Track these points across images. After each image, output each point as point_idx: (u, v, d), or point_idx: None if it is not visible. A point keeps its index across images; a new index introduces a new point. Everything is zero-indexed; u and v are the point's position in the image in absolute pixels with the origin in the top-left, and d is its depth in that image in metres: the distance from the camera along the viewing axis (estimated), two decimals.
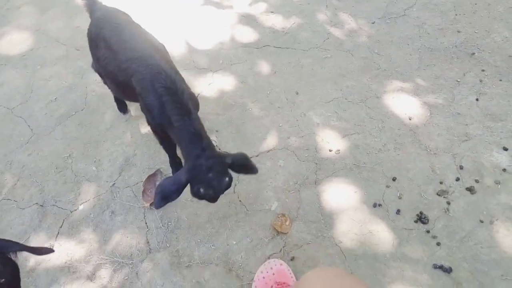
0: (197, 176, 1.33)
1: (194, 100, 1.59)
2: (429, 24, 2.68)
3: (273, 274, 1.51)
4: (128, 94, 1.66)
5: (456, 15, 2.73)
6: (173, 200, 1.33)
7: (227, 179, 1.35)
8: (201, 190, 1.32)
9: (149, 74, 1.45)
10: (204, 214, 1.79)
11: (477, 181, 1.81)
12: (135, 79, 1.49)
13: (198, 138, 1.39)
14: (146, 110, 1.51)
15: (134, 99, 1.66)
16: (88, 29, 1.77)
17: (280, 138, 2.06)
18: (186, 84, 1.58)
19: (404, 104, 2.18)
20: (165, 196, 1.32)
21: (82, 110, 2.25)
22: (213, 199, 1.39)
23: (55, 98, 2.33)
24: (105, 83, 2.02)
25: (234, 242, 1.70)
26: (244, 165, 1.43)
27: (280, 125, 2.13)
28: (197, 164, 1.34)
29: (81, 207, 1.84)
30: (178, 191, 1.33)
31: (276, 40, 2.63)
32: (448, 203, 1.74)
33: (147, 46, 1.55)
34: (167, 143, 1.72)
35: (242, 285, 1.57)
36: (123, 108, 2.19)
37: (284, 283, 1.46)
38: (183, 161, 1.84)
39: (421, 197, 1.78)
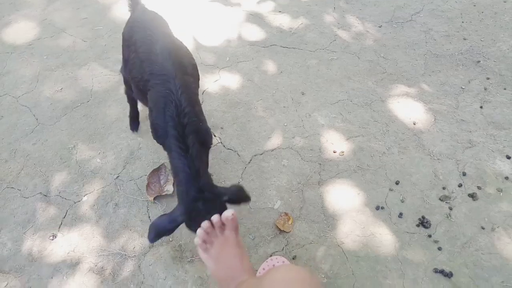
0: (195, 219, 1.30)
1: (202, 135, 1.49)
2: (436, 30, 2.70)
3: None
4: (145, 101, 1.61)
5: (462, 22, 2.75)
6: (165, 236, 1.38)
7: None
8: (193, 228, 1.30)
9: (163, 98, 1.41)
10: None
11: (479, 188, 1.83)
12: (151, 94, 1.46)
13: (194, 178, 1.36)
14: (152, 127, 1.50)
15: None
16: (124, 28, 1.74)
17: (284, 138, 2.07)
18: (200, 116, 1.52)
19: (408, 109, 2.19)
20: (159, 233, 1.32)
21: (87, 101, 2.26)
22: None
23: (61, 89, 2.33)
24: (126, 93, 2.01)
25: None
26: (239, 198, 1.41)
27: (285, 124, 2.14)
28: (195, 207, 1.32)
29: (84, 198, 1.84)
30: (172, 230, 1.33)
31: (283, 39, 2.64)
32: (450, 208, 1.76)
33: (174, 66, 1.47)
34: None
35: None
36: (135, 126, 2.12)
37: None
38: None
39: (424, 201, 1.79)
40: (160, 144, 1.52)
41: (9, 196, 1.86)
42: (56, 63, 2.49)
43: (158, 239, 1.33)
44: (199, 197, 1.33)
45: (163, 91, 1.42)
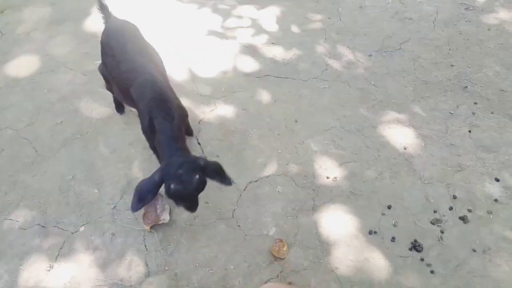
0: (168, 173, 1.40)
1: (181, 110, 1.75)
2: (424, 58, 2.79)
3: None
4: (128, 100, 1.81)
5: (449, 49, 2.84)
6: (148, 201, 1.40)
7: (197, 176, 1.40)
8: (172, 186, 1.38)
9: (143, 84, 1.60)
10: (203, 239, 1.82)
11: (470, 210, 1.86)
12: (133, 89, 1.64)
13: (174, 141, 1.52)
14: (140, 116, 1.66)
15: (133, 106, 1.80)
16: (101, 36, 1.95)
17: (279, 165, 2.12)
18: (175, 94, 1.75)
19: (399, 134, 2.25)
20: (141, 197, 1.39)
21: (87, 133, 2.32)
22: (186, 198, 1.44)
23: (61, 121, 2.39)
24: (107, 88, 2.21)
25: (232, 267, 1.72)
26: (217, 173, 1.49)
27: (279, 151, 2.19)
28: (169, 162, 1.44)
29: (82, 229, 1.87)
30: (152, 191, 1.41)
31: (276, 70, 2.73)
32: (442, 231, 1.78)
33: (144, 58, 1.72)
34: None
35: None
36: (120, 109, 2.38)
37: None
38: None
39: (416, 225, 1.82)
40: (147, 130, 1.63)
41: (7, 228, 1.89)
42: (56, 97, 2.56)
43: (141, 206, 1.39)
44: (174, 154, 1.46)
45: (141, 80, 1.62)
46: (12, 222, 1.91)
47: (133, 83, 1.63)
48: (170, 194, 1.40)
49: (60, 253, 1.79)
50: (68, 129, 2.35)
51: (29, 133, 2.34)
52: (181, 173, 1.39)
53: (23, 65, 2.84)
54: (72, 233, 1.86)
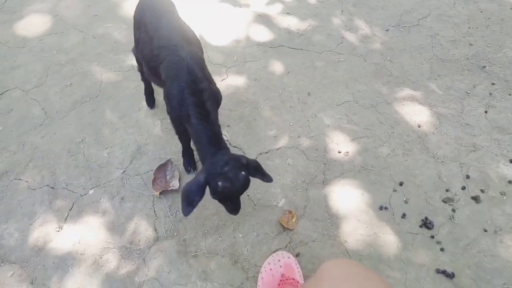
0: (214, 171, 1.37)
1: (215, 98, 1.63)
2: (442, 35, 2.71)
3: (280, 266, 1.53)
4: (157, 79, 1.70)
5: (469, 28, 2.76)
6: (197, 203, 1.37)
7: (243, 173, 1.38)
8: (219, 183, 1.35)
9: (175, 65, 1.49)
10: (212, 206, 1.81)
11: (482, 191, 1.84)
12: (163, 66, 1.54)
13: (215, 140, 1.48)
14: (167, 99, 1.56)
15: (162, 85, 1.70)
16: (135, 10, 1.84)
17: (290, 137, 2.09)
18: (211, 79, 1.62)
19: (414, 112, 2.21)
20: (189, 201, 1.36)
21: (96, 97, 2.28)
22: (233, 195, 1.44)
23: (70, 84, 2.36)
24: (139, 70, 2.08)
25: (241, 235, 1.72)
26: (258, 170, 1.47)
27: (291, 124, 2.15)
28: (214, 161, 1.40)
29: (91, 192, 1.86)
30: (200, 192, 1.38)
31: (290, 41, 2.67)
32: (454, 210, 1.77)
33: (180, 37, 1.59)
34: (183, 134, 1.75)
35: (247, 277, 1.59)
36: (151, 103, 2.22)
37: (290, 278, 1.48)
38: (195, 152, 1.89)
39: (427, 203, 1.80)
40: (175, 116, 1.58)
41: (17, 187, 1.89)
42: (66, 59, 2.52)
43: (192, 209, 1.36)
44: (218, 153, 1.43)
45: (174, 59, 1.51)
46: (21, 182, 1.90)
47: (164, 61, 1.54)
48: (217, 192, 1.39)
49: (69, 214, 1.79)
50: (77, 92, 2.31)
51: (38, 94, 2.30)
52: (227, 171, 1.36)
53: (32, 25, 2.78)
54: (81, 195, 1.85)
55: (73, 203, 1.83)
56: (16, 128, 2.13)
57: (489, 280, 1.55)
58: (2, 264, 1.63)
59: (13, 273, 1.61)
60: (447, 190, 1.85)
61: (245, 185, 1.41)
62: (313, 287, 0.80)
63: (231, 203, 1.50)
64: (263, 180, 1.49)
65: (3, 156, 2.00)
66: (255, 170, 1.46)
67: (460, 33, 2.73)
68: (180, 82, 1.48)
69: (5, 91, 2.32)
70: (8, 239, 1.71)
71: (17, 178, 1.92)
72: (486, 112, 2.20)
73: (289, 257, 1.58)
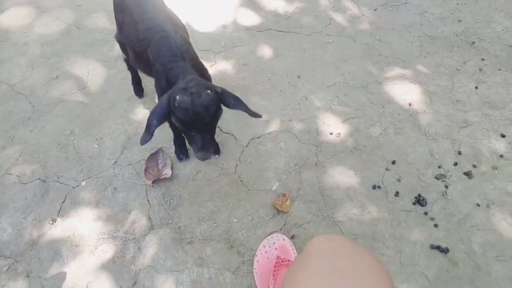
0: (177, 86, 1.29)
1: (200, 69, 1.57)
2: (431, 13, 2.70)
3: (276, 249, 1.54)
4: (144, 65, 1.67)
5: (457, 4, 2.75)
6: (155, 127, 1.26)
7: (209, 91, 1.25)
8: (177, 97, 1.22)
9: (159, 42, 1.46)
10: (206, 193, 1.81)
11: (474, 166, 1.85)
12: (150, 48, 1.50)
13: (189, 73, 1.40)
14: (156, 79, 1.54)
15: (150, 72, 1.67)
16: None
17: (281, 121, 2.08)
18: (196, 56, 1.59)
19: (404, 90, 2.20)
20: (148, 126, 1.26)
21: (84, 88, 2.25)
22: (195, 120, 1.25)
23: (56, 76, 2.32)
24: (125, 60, 2.06)
25: (235, 220, 1.72)
26: (239, 102, 1.35)
27: (282, 108, 2.14)
28: (179, 82, 1.33)
29: (83, 183, 1.85)
30: (159, 115, 1.26)
31: (278, 23, 2.64)
32: (446, 186, 1.78)
33: (166, 18, 1.56)
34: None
35: (243, 261, 1.59)
36: (139, 92, 2.18)
37: (286, 259, 1.49)
38: (186, 141, 1.87)
39: (420, 180, 1.81)
40: (161, 93, 1.50)
41: (8, 182, 1.87)
42: (51, 51, 2.47)
43: (150, 137, 1.26)
44: (191, 77, 1.34)
45: (161, 36, 1.47)
46: (12, 176, 1.88)
47: (150, 43, 1.50)
48: (176, 111, 1.23)
49: (62, 207, 1.77)
50: (64, 84, 2.28)
51: (24, 88, 2.27)
52: (191, 86, 1.24)
53: (14, 19, 2.72)
54: (73, 187, 1.83)
55: (66, 196, 1.81)
56: (4, 123, 2.10)
57: (482, 253, 1.57)
58: None
59: (8, 267, 1.60)
60: (439, 167, 1.85)
61: (209, 107, 1.24)
62: (301, 265, 0.79)
63: (196, 133, 1.31)
64: (249, 114, 1.36)
65: None
66: (236, 101, 1.33)
67: (449, 9, 2.72)
68: (164, 55, 1.44)
69: None
70: (2, 234, 1.70)
71: (7, 173, 1.90)
72: (476, 88, 2.20)
73: (284, 239, 1.58)
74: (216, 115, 1.31)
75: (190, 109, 1.23)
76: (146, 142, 1.26)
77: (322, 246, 0.80)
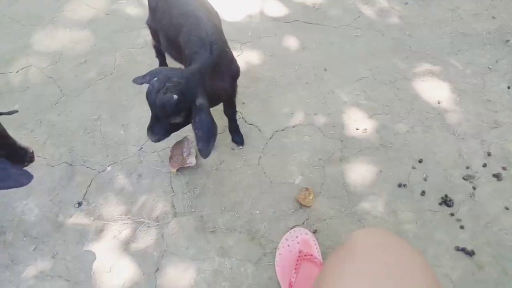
0: (152, 72, 1.32)
1: (228, 60, 1.56)
2: (463, 9, 2.62)
3: (298, 242, 1.53)
4: (176, 51, 1.65)
5: (492, 0, 2.66)
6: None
7: (175, 96, 1.23)
8: (153, 80, 1.28)
9: (191, 27, 1.45)
10: (229, 183, 1.81)
11: (504, 168, 1.80)
12: (183, 34, 1.49)
13: (204, 66, 1.38)
14: (185, 66, 1.51)
15: (180, 59, 1.66)
16: None
17: (306, 114, 2.06)
18: (225, 45, 1.56)
19: (433, 88, 2.15)
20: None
21: (111, 74, 2.27)
22: (150, 107, 1.30)
23: (85, 61, 2.35)
24: (154, 46, 2.06)
25: (258, 212, 1.72)
26: (200, 133, 1.30)
27: (307, 101, 2.12)
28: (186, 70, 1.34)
29: (108, 168, 1.87)
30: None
31: (306, 15, 2.60)
32: (474, 188, 1.74)
33: (198, 3, 1.56)
34: None
35: (265, 253, 1.60)
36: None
37: (309, 254, 1.49)
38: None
39: (447, 180, 1.77)
40: None
41: (36, 164, 1.88)
42: (79, 36, 2.50)
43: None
44: (178, 70, 1.32)
45: (193, 22, 1.45)
46: (40, 159, 1.91)
47: (183, 28, 1.48)
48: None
49: (88, 190, 1.80)
50: (92, 69, 2.30)
51: (53, 72, 2.30)
52: (171, 81, 1.25)
53: (44, 3, 2.75)
54: (99, 172, 1.86)
55: (91, 180, 1.84)
56: (33, 106, 2.13)
57: (510, 258, 1.54)
58: (24, 239, 1.67)
59: (35, 248, 1.64)
60: (467, 168, 1.81)
61: (163, 107, 1.25)
62: (344, 258, 0.76)
63: (152, 115, 1.35)
64: (197, 147, 1.33)
65: (21, 134, 2.01)
66: (200, 129, 1.29)
67: (482, 6, 2.63)
68: (192, 41, 1.42)
69: (21, 69, 2.32)
70: (29, 214, 1.74)
71: (35, 155, 1.93)
72: (509, 87, 2.13)
73: (306, 233, 1.57)
74: (168, 117, 1.31)
75: (147, 96, 1.29)
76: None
77: (367, 240, 0.77)
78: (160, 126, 1.37)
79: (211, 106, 1.68)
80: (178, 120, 1.33)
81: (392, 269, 0.68)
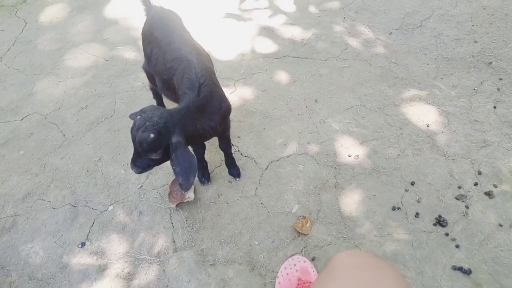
0: (146, 112, 1.40)
1: (217, 99, 1.62)
2: (446, 35, 2.74)
3: (297, 270, 1.56)
4: (171, 92, 1.75)
5: (472, 25, 2.78)
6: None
7: (152, 135, 1.33)
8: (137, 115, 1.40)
9: (183, 70, 1.55)
10: (227, 216, 1.86)
11: (495, 186, 1.84)
12: (176, 76, 1.59)
13: (189, 108, 1.47)
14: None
15: (175, 99, 1.75)
16: (143, 28, 1.91)
17: (300, 144, 2.13)
18: (218, 84, 1.65)
19: (421, 112, 2.23)
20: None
21: (111, 116, 2.37)
22: (133, 141, 1.41)
23: (86, 106, 2.45)
24: (151, 88, 2.19)
25: (256, 243, 1.76)
26: (177, 168, 1.37)
27: (300, 131, 2.20)
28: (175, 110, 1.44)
29: (110, 208, 1.93)
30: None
31: (295, 50, 2.72)
32: (467, 207, 1.77)
33: (191, 48, 1.66)
34: (197, 146, 1.82)
35: (265, 283, 1.62)
36: None
37: (308, 281, 1.51)
38: (209, 164, 1.95)
39: (440, 201, 1.81)
40: None
41: (40, 207, 1.97)
42: (80, 82, 2.62)
43: None
44: (164, 111, 1.41)
45: (185, 65, 1.56)
46: (44, 202, 1.98)
47: (176, 71, 1.60)
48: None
49: (91, 230, 1.85)
50: (92, 113, 2.40)
51: (56, 117, 2.41)
52: (152, 120, 1.34)
53: (47, 53, 2.90)
54: (101, 212, 1.92)
55: (94, 220, 1.89)
56: (37, 151, 2.22)
57: (507, 275, 1.55)
58: (30, 282, 1.70)
59: None
60: (459, 187, 1.85)
61: (141, 143, 1.34)
62: (326, 278, 0.82)
63: (133, 151, 1.45)
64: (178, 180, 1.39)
65: (26, 179, 2.09)
66: (177, 165, 1.36)
67: (464, 31, 2.75)
68: (184, 82, 1.52)
69: (25, 117, 2.43)
70: (34, 257, 1.78)
71: (40, 198, 2.00)
72: (495, 107, 2.20)
73: (304, 261, 1.60)
74: (146, 153, 1.39)
75: (130, 131, 1.41)
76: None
77: (345, 261, 0.83)
78: (141, 160, 1.46)
79: (200, 143, 1.78)
80: (155, 156, 1.41)
81: (370, 285, 0.73)
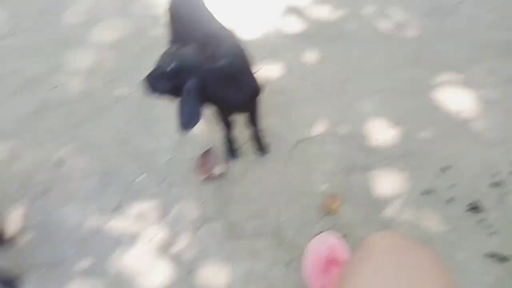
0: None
1: (250, 80, 1.63)
2: (482, 19, 2.65)
3: (326, 248, 1.56)
4: None
5: (509, 12, 2.68)
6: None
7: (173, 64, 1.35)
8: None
9: (215, 44, 1.52)
10: (255, 191, 1.86)
11: None
12: (206, 52, 1.56)
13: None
14: None
15: None
16: (170, 4, 1.88)
17: (328, 125, 2.10)
18: (250, 64, 1.63)
19: (455, 97, 2.18)
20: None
21: (138, 90, 2.37)
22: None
23: (113, 79, 2.46)
24: None
25: (284, 219, 1.76)
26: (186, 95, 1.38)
27: (328, 112, 2.16)
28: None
29: (141, 177, 1.95)
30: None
31: (323, 30, 2.67)
32: (503, 194, 1.74)
33: (219, 24, 1.66)
34: (226, 121, 1.81)
35: (292, 258, 1.63)
36: None
37: (336, 258, 1.51)
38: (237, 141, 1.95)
39: (474, 187, 1.78)
40: None
41: (72, 175, 2.00)
42: (106, 56, 2.63)
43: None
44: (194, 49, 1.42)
45: (217, 40, 1.54)
46: (76, 170, 2.02)
47: (207, 46, 1.54)
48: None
49: (122, 198, 1.88)
50: (120, 86, 2.41)
51: (84, 89, 2.42)
52: (180, 52, 1.39)
53: (73, 26, 2.91)
54: (132, 181, 1.94)
55: (125, 189, 1.92)
56: (66, 123, 2.25)
57: None
58: (65, 243, 1.75)
59: (74, 252, 1.73)
60: (494, 175, 1.82)
61: (163, 64, 1.39)
62: (361, 258, 0.81)
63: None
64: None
65: (57, 147, 2.12)
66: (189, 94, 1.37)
67: (500, 16, 2.66)
68: (219, 55, 1.49)
69: (54, 88, 2.46)
70: (68, 221, 1.83)
71: (72, 166, 2.04)
72: None
73: (334, 238, 1.60)
74: (161, 74, 1.41)
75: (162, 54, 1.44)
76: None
77: (380, 243, 0.82)
78: (154, 77, 1.46)
79: (230, 113, 1.76)
80: (164, 85, 1.42)
81: (405, 269, 0.73)
